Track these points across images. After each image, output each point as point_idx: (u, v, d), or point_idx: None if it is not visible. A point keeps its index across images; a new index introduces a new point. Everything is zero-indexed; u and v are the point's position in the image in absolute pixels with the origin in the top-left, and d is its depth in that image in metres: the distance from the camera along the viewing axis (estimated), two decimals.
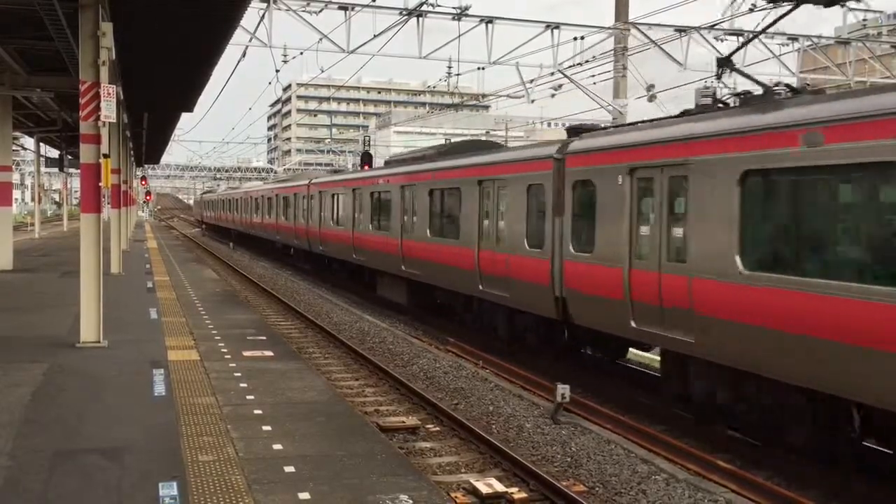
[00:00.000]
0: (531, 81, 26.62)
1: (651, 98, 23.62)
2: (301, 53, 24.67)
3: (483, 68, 26.49)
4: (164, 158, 76.13)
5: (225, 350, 12.18)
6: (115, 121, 12.55)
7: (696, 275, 9.81)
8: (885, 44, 30.91)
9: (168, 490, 6.26)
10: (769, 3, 10.76)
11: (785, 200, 8.82)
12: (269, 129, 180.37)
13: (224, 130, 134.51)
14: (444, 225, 17.76)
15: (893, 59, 37.73)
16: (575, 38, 24.38)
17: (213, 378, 10.21)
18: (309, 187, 30.60)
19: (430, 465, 9.18)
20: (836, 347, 7.86)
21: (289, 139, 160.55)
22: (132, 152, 43.18)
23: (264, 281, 27.95)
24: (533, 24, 24.12)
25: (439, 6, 21.81)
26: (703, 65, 25.84)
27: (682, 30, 23.92)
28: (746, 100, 10.21)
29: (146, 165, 72.58)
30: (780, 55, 25.52)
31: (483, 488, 8.11)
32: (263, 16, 21.80)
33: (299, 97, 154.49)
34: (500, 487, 8.18)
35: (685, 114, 11.21)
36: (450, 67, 27.35)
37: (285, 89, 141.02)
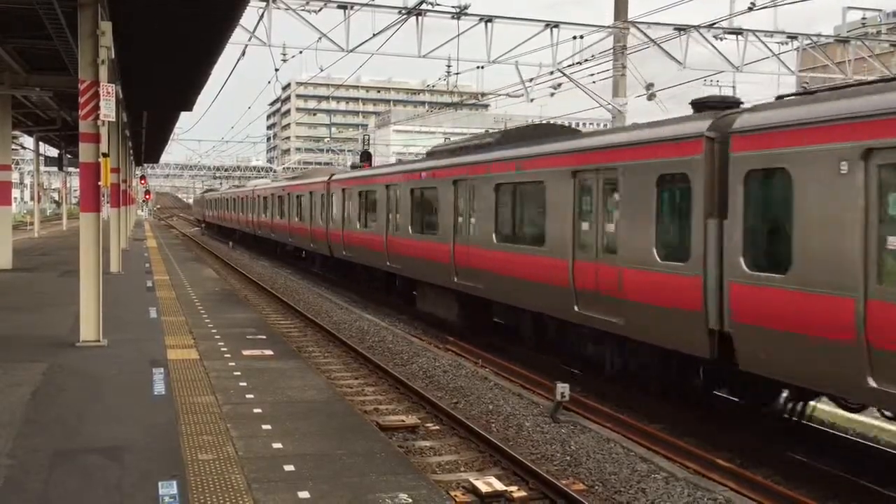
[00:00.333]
0: (530, 80, 26.61)
1: (650, 97, 23.62)
2: (300, 52, 24.69)
3: (482, 67, 26.48)
4: (164, 157, 76.14)
5: (224, 349, 12.18)
6: (114, 120, 12.55)
7: None
8: (885, 42, 30.90)
9: (168, 489, 6.27)
10: None
11: None
12: (269, 128, 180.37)
13: (223, 129, 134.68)
14: (518, 228, 14.77)
15: (892, 57, 37.75)
16: (574, 37, 24.38)
17: (213, 377, 10.22)
18: (329, 184, 27.44)
19: (430, 463, 9.18)
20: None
21: (288, 138, 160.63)
22: (131, 151, 43.16)
23: (264, 280, 27.95)
24: (532, 23, 24.12)
25: (438, 5, 21.83)
26: (702, 63, 25.91)
27: (681, 28, 23.92)
28: None
29: (145, 164, 72.59)
30: (779, 54, 25.52)
31: (482, 487, 8.11)
32: (263, 15, 21.79)
33: (298, 96, 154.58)
34: (499, 486, 8.18)
35: None
36: (449, 66, 27.36)
37: (284, 88, 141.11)
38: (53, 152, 44.16)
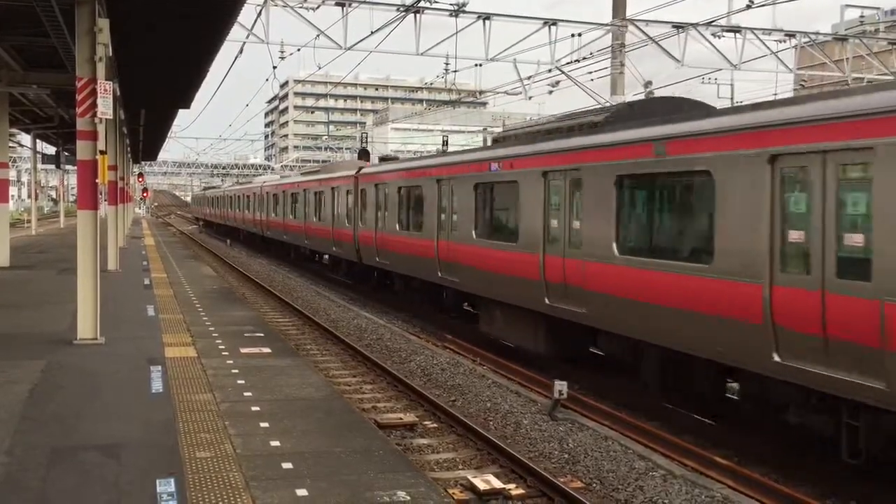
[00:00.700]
0: (529, 78, 26.65)
1: (649, 95, 23.62)
2: (298, 50, 24.69)
3: (480, 65, 26.49)
4: (161, 155, 76.08)
5: (222, 347, 12.18)
6: (111, 117, 12.53)
7: None
8: (883, 40, 30.92)
9: (166, 487, 6.26)
10: None
11: None
12: (267, 125, 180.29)
13: (221, 127, 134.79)
14: (665, 238, 10.98)
15: (890, 55, 37.76)
16: (573, 35, 24.42)
17: (211, 375, 10.21)
18: (357, 179, 23.74)
19: (428, 461, 9.18)
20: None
21: (286, 136, 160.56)
22: (129, 149, 43.12)
23: (261, 278, 27.93)
24: (530, 21, 24.15)
25: (437, 2, 21.85)
26: (700, 61, 25.92)
27: (679, 26, 23.93)
28: None
29: (143, 162, 72.50)
30: (778, 52, 25.54)
31: (480, 484, 8.12)
32: (260, 12, 21.82)
33: (296, 94, 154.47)
34: (497, 484, 8.19)
35: None
36: (447, 64, 27.33)
37: (282, 86, 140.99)
38: (51, 150, 44.07)
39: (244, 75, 49.48)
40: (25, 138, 45.24)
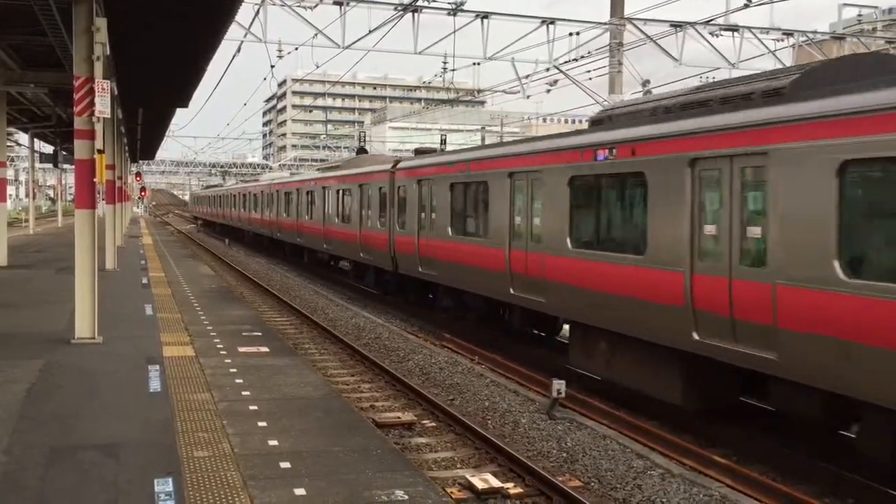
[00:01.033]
0: (527, 77, 26.68)
1: (647, 94, 23.62)
2: (296, 49, 24.71)
3: (478, 64, 26.51)
4: (159, 154, 76.04)
5: (220, 346, 12.17)
6: (109, 116, 12.51)
7: None
8: (880, 39, 30.94)
9: (164, 486, 6.26)
10: None
11: None
12: (265, 124, 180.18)
13: (219, 126, 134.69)
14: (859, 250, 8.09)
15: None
16: (570, 34, 24.45)
17: (209, 374, 10.21)
18: (394, 174, 20.52)
19: (426, 460, 9.18)
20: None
21: (284, 135, 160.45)
22: (127, 148, 43.06)
23: (259, 277, 27.92)
24: (528, 20, 24.15)
25: (435, 1, 21.85)
26: (698, 60, 25.94)
27: (677, 25, 23.94)
28: None
29: (141, 161, 72.43)
30: (776, 50, 25.57)
31: (479, 483, 8.12)
32: (258, 11, 21.82)
33: (294, 93, 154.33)
34: (495, 483, 8.19)
35: None
36: (445, 63, 27.37)
37: (280, 85, 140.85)
38: (48, 149, 44.08)
39: (242, 74, 49.46)
40: (23, 137, 45.19)
